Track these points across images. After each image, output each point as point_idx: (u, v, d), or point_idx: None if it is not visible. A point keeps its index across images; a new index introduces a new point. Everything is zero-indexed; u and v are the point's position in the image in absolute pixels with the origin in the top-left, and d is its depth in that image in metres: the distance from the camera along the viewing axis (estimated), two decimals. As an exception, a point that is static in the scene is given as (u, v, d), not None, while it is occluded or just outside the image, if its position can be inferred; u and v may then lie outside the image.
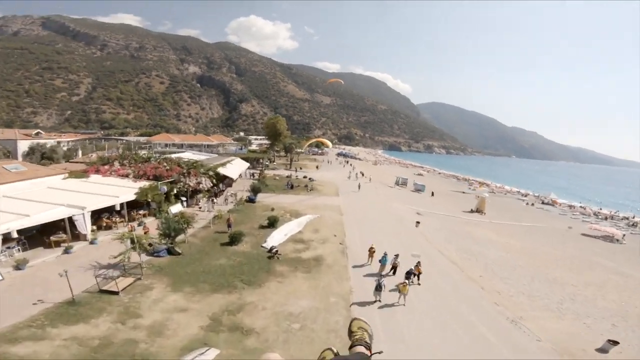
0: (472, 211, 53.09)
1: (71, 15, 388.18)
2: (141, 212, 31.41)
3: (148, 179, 34.31)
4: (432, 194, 66.08)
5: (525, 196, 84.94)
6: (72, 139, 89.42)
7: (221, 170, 43.74)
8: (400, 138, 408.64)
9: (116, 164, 37.79)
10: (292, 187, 52.13)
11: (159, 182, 32.70)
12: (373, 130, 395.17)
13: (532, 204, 73.32)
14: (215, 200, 37.85)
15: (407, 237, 32.75)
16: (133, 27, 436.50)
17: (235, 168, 51.38)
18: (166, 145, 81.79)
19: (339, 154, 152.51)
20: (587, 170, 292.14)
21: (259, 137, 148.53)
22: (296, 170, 72.00)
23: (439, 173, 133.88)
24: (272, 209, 36.74)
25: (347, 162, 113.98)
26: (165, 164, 37.71)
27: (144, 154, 45.29)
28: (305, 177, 64.96)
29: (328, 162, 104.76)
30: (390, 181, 78.85)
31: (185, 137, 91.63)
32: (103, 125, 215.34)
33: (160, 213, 28.74)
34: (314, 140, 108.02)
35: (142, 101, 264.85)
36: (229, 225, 28.51)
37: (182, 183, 35.43)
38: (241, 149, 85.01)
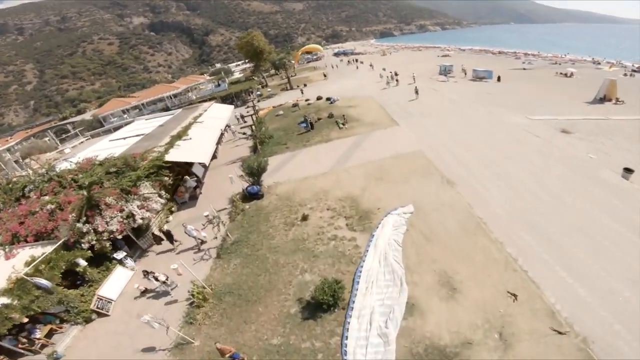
0: (603, 100, 29.73)
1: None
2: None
3: (25, 240, 14.55)
4: (499, 79, 42.95)
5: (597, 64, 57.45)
6: (24, 137, 66.51)
7: (173, 156, 21.73)
8: (389, 24, 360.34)
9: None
10: (311, 126, 30.32)
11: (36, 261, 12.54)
12: (358, 23, 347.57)
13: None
14: (187, 229, 16.29)
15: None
16: (38, 2, 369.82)
17: (208, 134, 28.44)
18: (124, 112, 58.52)
19: (337, 54, 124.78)
20: (605, 30, 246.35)
21: (240, 63, 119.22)
22: (302, 92, 48.92)
23: (464, 50, 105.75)
24: (304, 217, 16.71)
25: (357, 60, 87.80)
26: (48, 201, 16.09)
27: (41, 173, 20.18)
28: (320, 97, 42.24)
29: (333, 66, 78.85)
30: (428, 72, 55.03)
31: (146, 93, 66.75)
32: (74, 103, 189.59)
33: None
34: (304, 49, 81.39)
35: (100, 67, 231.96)
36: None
37: (86, 238, 14.49)
38: (219, 85, 60.41)
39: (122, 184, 16.86)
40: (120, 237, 15.64)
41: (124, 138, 31.34)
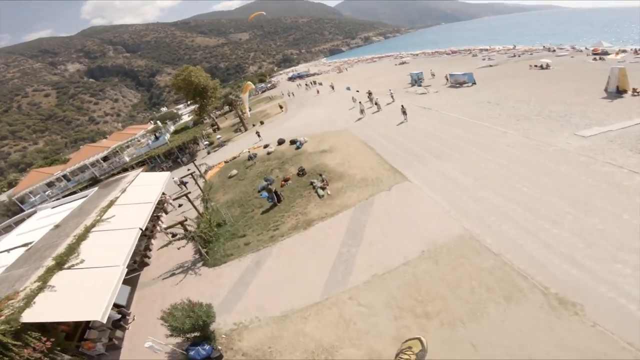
0: (619, 92, 22.64)
1: None
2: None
3: None
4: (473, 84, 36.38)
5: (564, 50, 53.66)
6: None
7: (35, 315, 11.06)
8: (335, 41, 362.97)
9: None
10: (277, 197, 20.19)
11: None
12: (307, 44, 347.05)
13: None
14: None
15: None
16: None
17: (122, 239, 17.37)
18: (49, 185, 45.78)
19: (291, 78, 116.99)
20: (524, 18, 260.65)
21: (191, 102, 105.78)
22: (258, 135, 38.58)
23: (417, 54, 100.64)
24: None
25: (314, 82, 78.96)
26: None
27: None
28: (282, 141, 32.28)
29: (290, 94, 69.34)
30: (399, 85, 47.08)
31: (74, 157, 53.39)
32: (19, 167, 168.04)
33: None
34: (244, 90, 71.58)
35: (41, 123, 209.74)
36: None
37: None
38: (157, 138, 48.80)
39: None
40: None
41: (7, 251, 20.10)
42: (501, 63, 50.22)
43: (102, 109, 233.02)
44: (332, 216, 16.93)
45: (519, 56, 54.10)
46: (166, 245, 19.58)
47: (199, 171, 29.98)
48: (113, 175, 40.99)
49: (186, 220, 18.52)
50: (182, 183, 30.46)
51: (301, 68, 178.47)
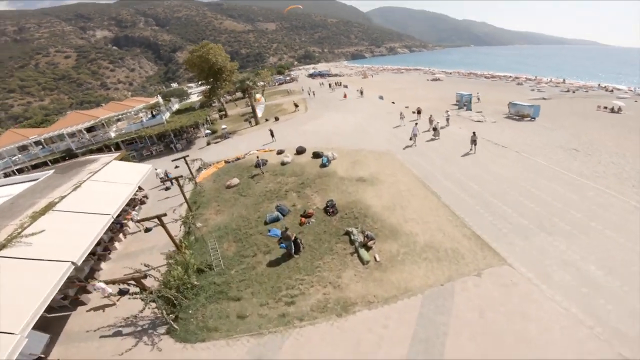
0: None
1: None
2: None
3: None
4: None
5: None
6: None
7: None
8: (360, 46, 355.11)
9: None
10: (296, 246, 12.87)
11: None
12: (330, 45, 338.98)
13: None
14: None
15: None
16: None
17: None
18: (21, 149, 38.60)
19: (312, 75, 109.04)
20: (559, 51, 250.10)
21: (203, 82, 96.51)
22: (272, 134, 30.62)
23: (451, 73, 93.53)
24: None
25: (339, 83, 71.10)
26: None
27: None
28: (301, 151, 24.91)
29: (310, 92, 59.97)
30: (436, 103, 40.21)
31: (59, 123, 45.04)
32: (18, 120, 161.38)
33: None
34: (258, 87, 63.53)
35: (52, 82, 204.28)
36: None
37: None
38: (152, 116, 41.08)
39: None
40: None
41: None
42: (555, 97, 44.07)
43: (117, 76, 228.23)
44: (386, 304, 10.02)
45: (573, 92, 48.23)
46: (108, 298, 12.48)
47: (190, 170, 22.80)
48: (91, 151, 33.86)
49: (146, 275, 11.25)
50: (167, 178, 23.54)
51: (321, 67, 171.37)
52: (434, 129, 24.65)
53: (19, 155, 37.40)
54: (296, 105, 46.49)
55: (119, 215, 17.53)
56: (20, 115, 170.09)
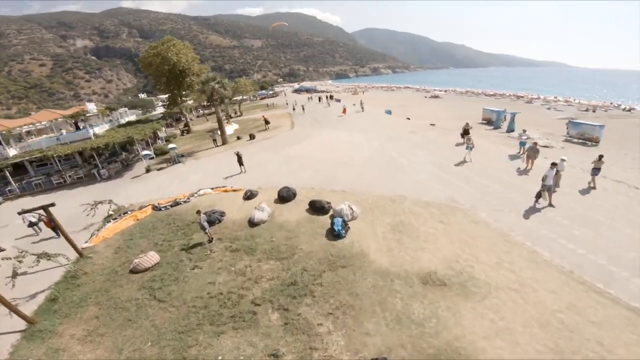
0: None
1: None
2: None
3: None
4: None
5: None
6: None
7: None
8: (344, 65, 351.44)
9: None
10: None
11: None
12: (315, 64, 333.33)
13: None
14: None
15: None
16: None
17: None
18: None
19: (297, 90, 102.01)
20: (527, 73, 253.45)
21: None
22: (240, 163, 19.47)
23: (447, 91, 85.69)
24: None
25: (331, 96, 61.46)
26: None
27: None
28: (285, 197, 14.04)
29: (296, 106, 47.10)
30: (453, 121, 30.54)
31: None
32: None
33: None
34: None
35: (22, 90, 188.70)
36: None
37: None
38: (77, 129, 29.03)
39: None
40: None
41: None
42: (580, 116, 35.33)
43: (92, 87, 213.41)
44: None
45: (593, 111, 41.35)
46: None
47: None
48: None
49: None
50: (33, 224, 12.55)
51: (307, 84, 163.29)
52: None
53: None
54: (267, 122, 34.62)
55: None
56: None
